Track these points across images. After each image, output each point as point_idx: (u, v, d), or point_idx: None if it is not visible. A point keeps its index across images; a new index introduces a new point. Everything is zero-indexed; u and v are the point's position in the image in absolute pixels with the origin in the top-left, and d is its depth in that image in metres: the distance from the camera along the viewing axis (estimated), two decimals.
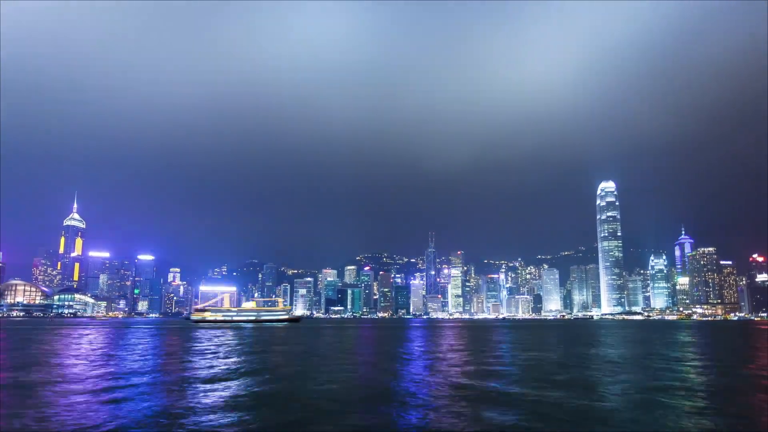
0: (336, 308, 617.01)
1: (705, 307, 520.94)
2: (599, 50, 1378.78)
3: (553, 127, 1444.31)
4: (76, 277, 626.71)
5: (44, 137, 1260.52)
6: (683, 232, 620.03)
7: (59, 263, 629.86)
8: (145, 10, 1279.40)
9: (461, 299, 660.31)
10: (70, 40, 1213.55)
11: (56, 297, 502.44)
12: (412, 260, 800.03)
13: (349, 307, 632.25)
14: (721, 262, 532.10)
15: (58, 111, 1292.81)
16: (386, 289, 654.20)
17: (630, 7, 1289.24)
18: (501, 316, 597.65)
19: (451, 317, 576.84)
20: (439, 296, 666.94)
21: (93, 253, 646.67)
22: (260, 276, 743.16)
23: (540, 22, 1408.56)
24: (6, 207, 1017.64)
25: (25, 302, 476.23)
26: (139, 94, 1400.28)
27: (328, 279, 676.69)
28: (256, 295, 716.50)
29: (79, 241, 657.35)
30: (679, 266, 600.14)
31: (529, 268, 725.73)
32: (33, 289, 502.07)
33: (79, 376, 31.51)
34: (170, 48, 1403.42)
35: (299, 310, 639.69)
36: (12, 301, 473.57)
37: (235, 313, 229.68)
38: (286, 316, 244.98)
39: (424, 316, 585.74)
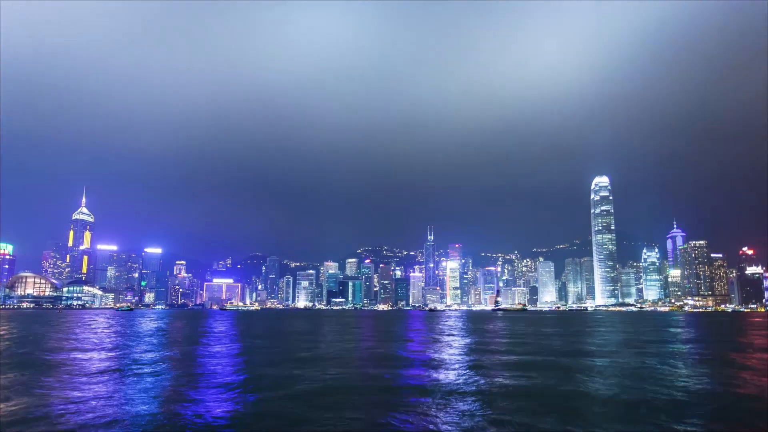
0: (337, 300, 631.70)
1: (696, 298, 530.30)
2: (595, 48, 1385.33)
3: (549, 124, 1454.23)
4: (84, 270, 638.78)
5: (54, 134, 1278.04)
6: (675, 226, 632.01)
7: (68, 256, 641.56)
8: (147, 9, 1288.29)
9: (459, 291, 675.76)
10: (74, 38, 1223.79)
11: (65, 289, 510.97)
12: (412, 253, 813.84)
13: (350, 298, 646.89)
14: (712, 255, 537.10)
15: (66, 108, 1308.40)
16: (386, 282, 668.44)
17: (628, 6, 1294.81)
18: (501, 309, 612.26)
19: (449, 308, 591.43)
20: (438, 288, 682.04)
21: (101, 246, 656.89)
22: (264, 269, 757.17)
23: (538, 21, 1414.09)
24: (16, 202, 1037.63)
25: (35, 294, 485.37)
26: (144, 92, 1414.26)
27: (330, 271, 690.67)
28: (259, 287, 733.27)
29: (87, 235, 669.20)
30: (671, 259, 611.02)
31: (525, 261, 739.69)
32: (43, 281, 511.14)
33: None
34: (174, 47, 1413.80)
35: (302, 302, 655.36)
36: (22, 292, 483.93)
37: None
38: None
39: (425, 308, 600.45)
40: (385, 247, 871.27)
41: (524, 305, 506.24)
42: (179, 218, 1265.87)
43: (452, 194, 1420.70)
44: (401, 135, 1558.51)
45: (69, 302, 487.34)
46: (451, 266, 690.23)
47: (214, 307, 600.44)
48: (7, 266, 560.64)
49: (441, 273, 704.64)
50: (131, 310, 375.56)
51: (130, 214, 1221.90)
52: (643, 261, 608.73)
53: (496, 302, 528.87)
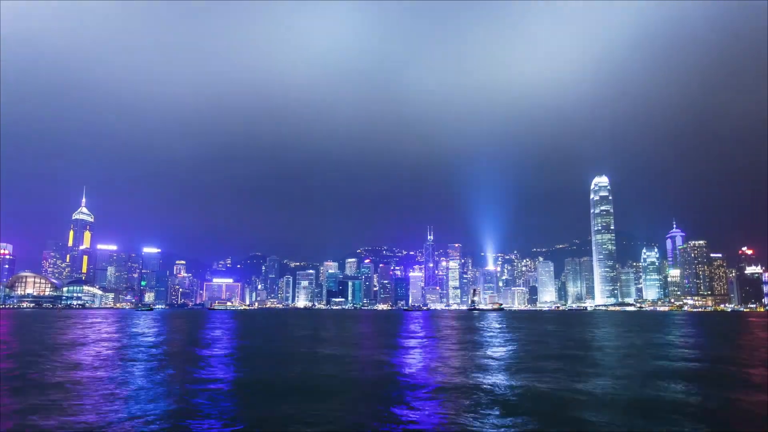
0: (337, 300, 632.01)
1: (696, 298, 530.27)
2: (595, 49, 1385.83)
3: (548, 124, 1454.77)
4: (84, 270, 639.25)
5: (54, 134, 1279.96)
6: (674, 226, 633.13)
7: (68, 256, 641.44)
8: (147, 9, 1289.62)
9: (459, 291, 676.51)
10: (74, 38, 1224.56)
11: (65, 289, 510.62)
12: (411, 253, 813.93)
13: (350, 298, 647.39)
14: (712, 255, 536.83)
15: (66, 108, 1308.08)
16: (386, 281, 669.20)
17: (629, 6, 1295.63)
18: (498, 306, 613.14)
19: (448, 308, 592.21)
20: (438, 288, 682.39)
21: (101, 246, 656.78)
22: (263, 268, 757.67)
23: (536, 21, 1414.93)
24: (16, 202, 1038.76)
25: (35, 294, 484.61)
26: (144, 92, 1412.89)
27: (330, 271, 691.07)
28: (259, 287, 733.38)
29: (87, 234, 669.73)
30: (670, 259, 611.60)
31: (524, 261, 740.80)
32: (43, 281, 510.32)
33: None
34: (174, 47, 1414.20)
35: (301, 302, 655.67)
36: (22, 292, 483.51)
37: None
38: None
39: (424, 308, 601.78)
40: (385, 247, 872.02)
41: (500, 305, 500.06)
42: (179, 218, 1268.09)
43: (452, 194, 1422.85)
44: (401, 135, 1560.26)
45: (69, 302, 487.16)
46: (450, 266, 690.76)
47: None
48: (7, 266, 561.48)
49: (441, 273, 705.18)
50: (151, 309, 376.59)
51: (130, 214, 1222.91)
52: (642, 261, 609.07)
53: (472, 302, 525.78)
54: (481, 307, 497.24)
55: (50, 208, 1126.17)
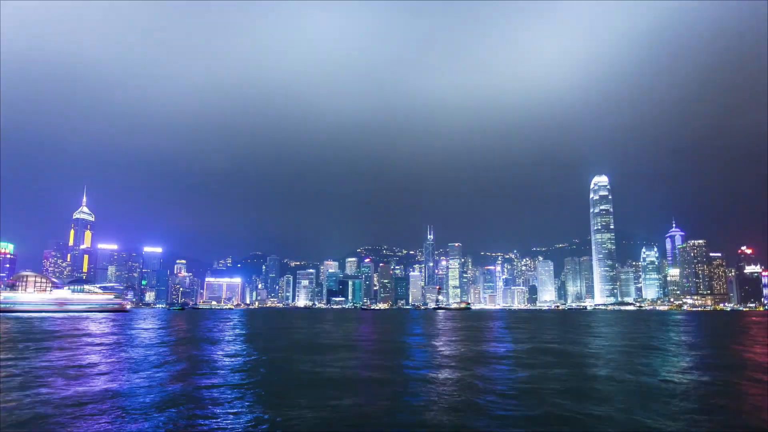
0: (337, 299, 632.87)
1: (695, 297, 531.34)
2: (595, 49, 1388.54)
3: (548, 123, 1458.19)
4: (85, 269, 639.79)
5: (55, 134, 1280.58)
6: (674, 225, 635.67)
7: (69, 255, 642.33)
8: (147, 9, 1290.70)
9: (459, 290, 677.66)
10: (74, 38, 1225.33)
11: (66, 288, 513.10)
12: (411, 252, 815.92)
13: (350, 297, 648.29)
14: (711, 254, 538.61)
15: (67, 108, 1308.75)
16: (386, 281, 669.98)
17: (627, 6, 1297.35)
18: (498, 307, 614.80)
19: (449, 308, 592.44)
20: (438, 287, 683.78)
21: (102, 246, 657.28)
22: (264, 268, 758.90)
23: (537, 21, 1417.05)
24: (17, 201, 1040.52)
25: None
26: (144, 92, 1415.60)
27: (330, 270, 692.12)
28: (259, 286, 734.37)
29: (88, 234, 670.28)
30: (669, 258, 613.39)
31: (524, 260, 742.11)
32: (43, 280, 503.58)
33: None
34: (175, 47, 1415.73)
35: (302, 301, 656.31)
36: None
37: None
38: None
39: (423, 307, 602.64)
40: (385, 247, 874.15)
41: (468, 304, 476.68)
42: (179, 217, 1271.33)
43: (452, 193, 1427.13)
44: (401, 134, 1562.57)
45: None
46: (450, 265, 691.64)
47: (214, 304, 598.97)
48: (8, 265, 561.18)
49: (440, 272, 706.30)
50: (182, 309, 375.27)
51: (130, 214, 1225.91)
52: (642, 260, 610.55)
53: (437, 300, 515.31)
54: (445, 306, 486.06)
55: (51, 208, 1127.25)
